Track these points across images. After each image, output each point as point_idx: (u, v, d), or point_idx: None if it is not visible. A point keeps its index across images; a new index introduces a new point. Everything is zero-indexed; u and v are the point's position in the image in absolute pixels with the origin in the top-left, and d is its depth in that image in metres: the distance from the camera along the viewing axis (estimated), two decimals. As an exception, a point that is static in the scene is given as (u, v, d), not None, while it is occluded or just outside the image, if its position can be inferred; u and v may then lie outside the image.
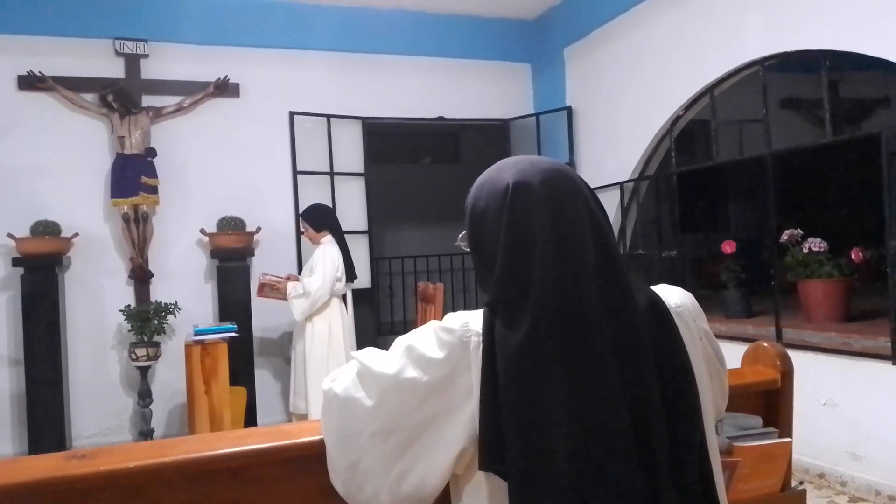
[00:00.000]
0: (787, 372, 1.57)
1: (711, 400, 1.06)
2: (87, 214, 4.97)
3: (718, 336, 3.75)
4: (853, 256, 4.04)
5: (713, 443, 1.03)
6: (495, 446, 0.90)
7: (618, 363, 0.91)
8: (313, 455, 1.12)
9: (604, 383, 0.90)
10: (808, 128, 6.85)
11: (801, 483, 3.56)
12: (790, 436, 1.56)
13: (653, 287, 1.05)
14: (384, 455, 0.98)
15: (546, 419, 0.88)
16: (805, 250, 4.14)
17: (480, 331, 0.95)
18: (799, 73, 6.19)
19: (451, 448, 0.94)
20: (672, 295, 1.06)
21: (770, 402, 1.60)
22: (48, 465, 1.09)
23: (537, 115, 6.02)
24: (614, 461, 0.89)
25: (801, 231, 4.25)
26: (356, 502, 1.04)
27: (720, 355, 1.12)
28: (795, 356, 3.69)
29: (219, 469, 1.15)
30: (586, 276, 0.94)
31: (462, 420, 0.94)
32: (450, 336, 0.96)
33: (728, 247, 4.66)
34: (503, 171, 1.04)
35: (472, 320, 0.97)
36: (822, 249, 4.07)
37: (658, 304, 1.00)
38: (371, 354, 1.05)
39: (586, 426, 0.88)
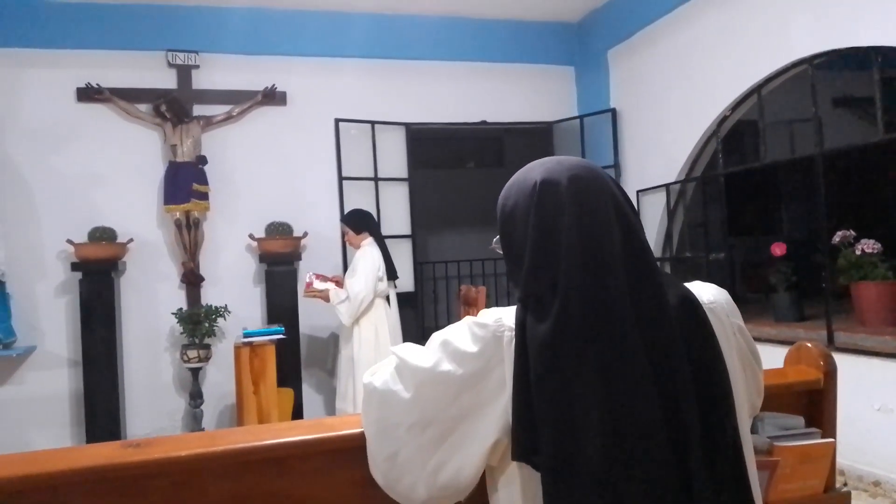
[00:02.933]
0: (830, 372, 1.55)
1: (745, 395, 1.06)
2: (142, 221, 5.14)
3: (768, 340, 3.69)
4: (908, 258, 3.92)
5: (747, 438, 1.03)
6: (528, 438, 0.92)
7: (648, 355, 0.92)
8: (354, 447, 1.16)
9: (634, 375, 0.91)
10: (862, 126, 6.66)
11: (846, 485, 3.47)
12: (833, 436, 1.53)
13: (686, 284, 1.06)
14: (421, 447, 1.01)
15: (577, 411, 0.90)
16: (858, 252, 4.03)
17: (513, 326, 0.97)
18: (852, 71, 6.03)
19: (485, 440, 0.97)
20: (705, 291, 1.07)
21: (813, 403, 1.57)
22: (106, 453, 1.16)
23: (581, 117, 6.00)
24: (646, 452, 0.90)
25: (853, 232, 4.14)
26: (395, 493, 1.07)
27: (755, 352, 1.12)
28: (848, 360, 3.64)
29: (264, 459, 1.19)
30: (614, 269, 0.95)
31: (496, 412, 0.96)
32: (483, 331, 0.99)
33: (778, 249, 4.57)
34: (531, 171, 1.07)
35: (505, 316, 1.00)
36: (875, 251, 3.95)
37: (690, 299, 1.00)
38: (409, 349, 1.09)
39: (617, 417, 0.90)
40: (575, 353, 0.92)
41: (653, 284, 0.97)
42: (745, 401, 1.06)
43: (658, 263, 1.04)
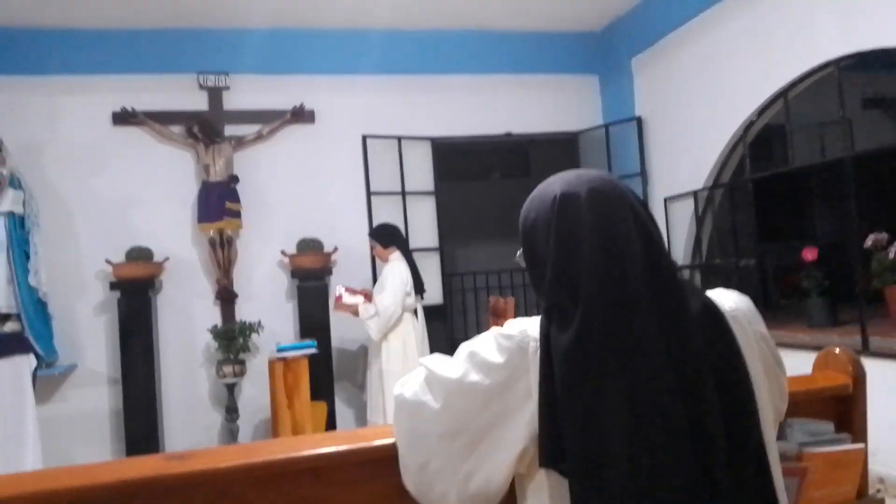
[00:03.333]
0: (858, 377, 1.55)
1: (769, 401, 1.07)
2: (177, 239, 5.26)
3: (802, 346, 3.66)
4: (943, 260, 3.86)
5: (772, 444, 1.04)
6: (555, 445, 0.95)
7: (672, 364, 0.95)
8: (388, 457, 1.20)
9: (658, 383, 0.93)
10: (894, 127, 6.57)
11: (879, 491, 3.41)
12: (864, 441, 1.53)
13: (708, 292, 1.08)
14: (452, 455, 1.04)
15: (602, 417, 0.93)
16: (891, 255, 3.97)
17: (538, 336, 1.01)
18: (882, 72, 5.96)
19: (513, 448, 0.99)
20: (727, 299, 1.09)
21: (843, 408, 1.58)
22: (150, 465, 1.21)
23: (606, 126, 6.00)
24: (671, 460, 0.92)
25: (886, 235, 4.09)
26: (427, 501, 1.10)
27: (778, 358, 1.13)
28: (884, 365, 3.58)
29: (301, 470, 1.24)
30: (634, 278, 0.98)
31: (523, 421, 0.99)
32: (509, 342, 1.02)
33: (809, 254, 4.51)
34: (552, 184, 1.11)
35: (530, 327, 1.03)
36: (909, 254, 3.90)
37: (712, 307, 1.03)
38: (437, 361, 1.12)
39: (642, 425, 0.92)
40: (598, 362, 0.94)
41: (674, 294, 1.00)
42: (770, 407, 1.08)
43: (679, 272, 1.06)
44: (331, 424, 5.01)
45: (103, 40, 5.18)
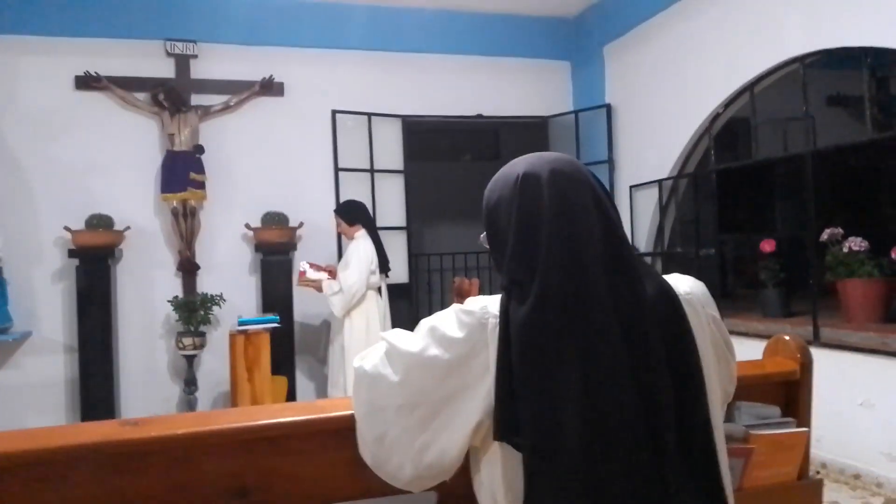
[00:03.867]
0: (806, 364, 1.60)
1: (718, 383, 1.10)
2: (139, 209, 5.17)
3: (756, 334, 3.76)
4: (894, 256, 3.98)
5: (719, 423, 1.08)
6: (509, 418, 0.97)
7: (625, 341, 0.97)
8: (345, 428, 1.20)
9: (611, 359, 0.96)
10: (856, 125, 6.72)
11: (818, 473, 3.54)
12: (808, 426, 1.58)
13: (665, 276, 1.11)
14: (408, 428, 1.05)
15: (556, 392, 0.95)
16: (845, 249, 4.08)
17: (498, 312, 1.02)
18: (846, 70, 6.08)
19: (468, 421, 1.01)
20: (682, 283, 1.11)
21: (790, 394, 1.62)
22: (104, 430, 1.20)
23: (576, 112, 6.04)
24: (622, 435, 0.94)
25: (841, 230, 4.20)
26: (383, 472, 1.12)
27: (728, 341, 1.16)
28: (833, 356, 3.70)
29: (258, 439, 1.24)
30: (592, 257, 1.00)
31: (479, 395, 1.01)
32: (469, 318, 1.04)
33: (767, 245, 4.62)
34: (514, 165, 1.12)
35: (490, 304, 1.04)
36: (862, 249, 4.01)
37: (667, 289, 1.05)
38: (398, 335, 1.13)
39: (595, 400, 0.94)
40: (553, 335, 0.96)
41: (630, 274, 1.02)
42: (718, 388, 1.11)
43: (636, 255, 1.08)
44: (291, 399, 5.00)
45: (68, 1, 5.03)
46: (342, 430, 1.21)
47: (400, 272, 5.54)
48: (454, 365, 1.02)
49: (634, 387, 0.96)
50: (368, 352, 1.19)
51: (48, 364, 4.95)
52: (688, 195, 5.24)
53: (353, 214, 4.65)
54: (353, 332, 4.46)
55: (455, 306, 1.08)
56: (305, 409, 1.30)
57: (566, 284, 0.98)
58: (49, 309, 4.98)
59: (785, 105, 4.96)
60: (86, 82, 5.05)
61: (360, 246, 4.50)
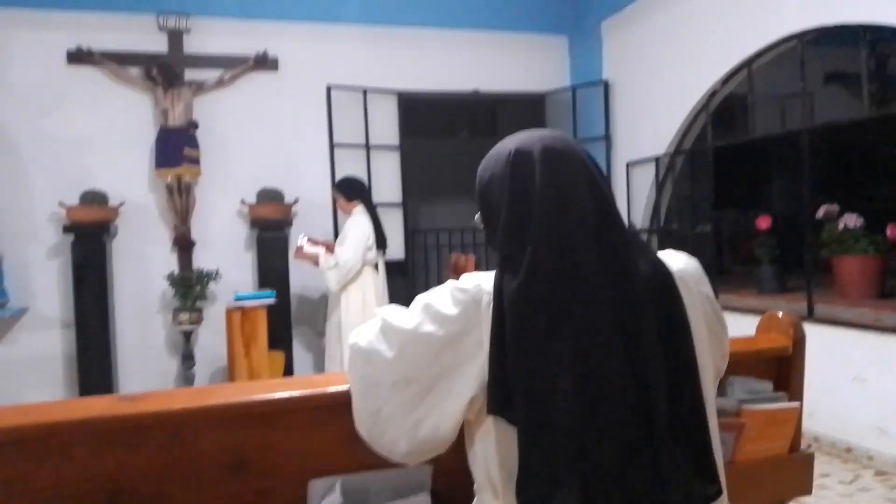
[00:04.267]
0: (798, 340, 1.61)
1: (710, 359, 1.11)
2: (133, 184, 5.15)
3: (751, 310, 3.79)
4: (889, 233, 4.00)
5: (711, 398, 1.09)
6: (503, 393, 0.98)
7: (616, 315, 0.98)
8: (341, 403, 1.21)
9: (603, 333, 0.96)
10: (853, 103, 6.70)
11: (810, 446, 3.58)
12: (800, 401, 1.60)
13: (659, 253, 1.12)
14: (403, 403, 1.07)
15: (548, 366, 0.96)
16: (841, 226, 4.10)
17: (492, 289, 1.03)
18: (844, 47, 6.05)
19: (462, 396, 1.02)
20: (676, 260, 1.12)
21: (782, 369, 1.64)
22: (102, 405, 1.21)
23: (573, 88, 6.01)
24: (614, 408, 0.95)
25: (837, 207, 4.21)
26: (378, 446, 1.13)
27: (721, 318, 1.17)
28: (827, 332, 3.73)
29: (254, 414, 1.25)
30: (583, 232, 1.01)
31: (473, 371, 1.02)
32: (463, 295, 1.04)
33: (763, 222, 4.64)
34: (506, 143, 1.13)
35: (484, 281, 1.05)
36: (857, 226, 4.03)
37: (660, 266, 1.06)
38: (393, 311, 1.14)
39: (587, 374, 0.95)
40: (544, 310, 0.97)
41: (623, 250, 1.03)
42: (711, 364, 1.12)
43: (629, 232, 1.09)
44: (288, 374, 5.02)
45: (59, -27, 4.97)
46: (338, 406, 1.23)
47: (396, 248, 5.54)
48: (448, 341, 1.03)
49: (627, 362, 0.97)
50: (364, 328, 1.19)
51: (45, 339, 4.96)
52: (684, 172, 5.23)
53: (352, 190, 4.64)
54: (350, 308, 4.47)
55: (450, 283, 1.08)
56: (301, 384, 1.31)
57: (556, 259, 0.99)
58: (45, 285, 4.98)
59: (783, 82, 4.94)
60: (78, 57, 5.00)
61: (358, 221, 4.49)
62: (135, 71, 5.12)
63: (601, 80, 5.80)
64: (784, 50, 4.30)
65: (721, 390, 1.51)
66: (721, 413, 1.35)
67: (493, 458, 1.02)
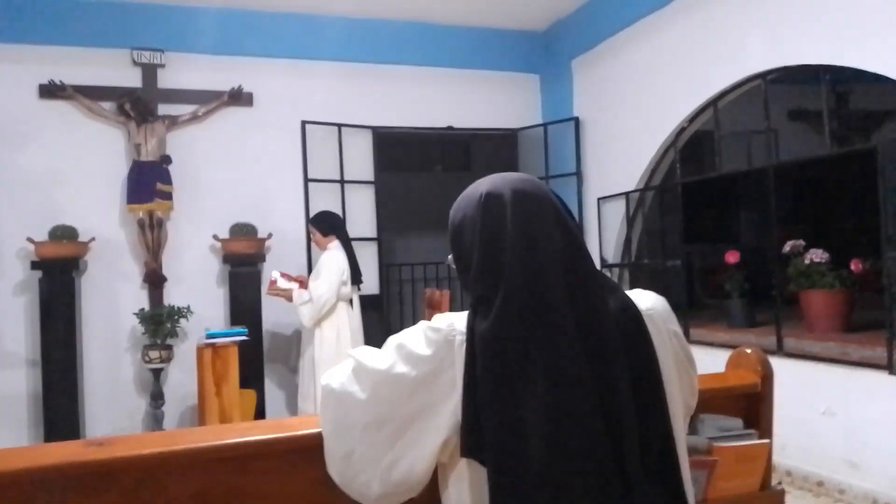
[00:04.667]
0: (767, 376, 1.63)
1: (679, 395, 1.13)
2: (104, 220, 5.09)
3: (721, 344, 3.83)
4: (853, 267, 4.09)
5: (681, 437, 1.10)
6: (475, 434, 0.98)
7: (587, 355, 0.99)
8: (313, 446, 1.20)
9: (574, 374, 0.97)
10: (816, 139, 6.89)
11: (780, 483, 3.60)
12: (770, 437, 1.62)
13: (627, 291, 1.14)
14: (376, 444, 1.06)
15: (519, 407, 0.96)
16: (807, 261, 4.18)
17: (465, 329, 1.03)
18: (808, 85, 6.24)
19: (436, 437, 1.02)
20: (644, 299, 1.14)
21: (751, 405, 1.66)
22: (68, 451, 1.18)
23: (545, 125, 6.10)
24: (585, 449, 0.96)
25: (803, 242, 4.30)
26: (351, 490, 1.12)
27: (689, 356, 1.19)
28: (796, 366, 3.77)
29: (226, 458, 1.23)
30: (553, 273, 1.03)
31: (447, 412, 1.02)
32: (436, 335, 1.05)
33: (731, 257, 4.71)
34: (478, 186, 1.15)
35: (457, 320, 1.06)
36: (823, 260, 4.11)
37: (629, 305, 1.08)
38: (365, 352, 1.14)
39: (558, 415, 0.96)
40: (515, 350, 0.98)
41: (593, 289, 1.05)
42: (680, 402, 1.13)
43: (598, 272, 1.11)
44: (260, 413, 4.96)
45: (32, 8, 4.96)
46: (310, 449, 1.21)
47: (371, 283, 5.53)
48: (421, 382, 1.03)
49: (597, 401, 0.98)
50: (336, 369, 1.19)
51: (10, 378, 4.84)
52: (654, 207, 5.31)
53: (328, 225, 4.64)
54: (324, 344, 4.44)
55: (422, 323, 1.09)
56: (273, 427, 1.30)
57: (527, 299, 1.00)
58: (11, 322, 4.88)
59: (748, 119, 5.07)
60: (50, 91, 4.98)
61: (333, 257, 4.49)
62: (108, 105, 5.10)
63: (572, 117, 5.91)
64: (749, 88, 4.42)
65: (692, 428, 1.52)
66: (692, 451, 1.36)
67: (466, 500, 1.02)
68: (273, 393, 5.39)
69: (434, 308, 4.58)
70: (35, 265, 4.76)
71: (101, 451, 1.18)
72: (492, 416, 0.97)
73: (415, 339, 1.06)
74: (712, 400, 1.56)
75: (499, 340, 0.98)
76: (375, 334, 5.47)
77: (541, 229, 1.06)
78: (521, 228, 1.05)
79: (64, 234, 4.79)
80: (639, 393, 1.02)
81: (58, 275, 4.81)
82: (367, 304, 5.24)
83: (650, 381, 1.04)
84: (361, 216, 5.74)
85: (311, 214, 5.09)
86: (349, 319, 4.54)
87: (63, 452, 1.18)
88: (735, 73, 4.33)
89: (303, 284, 4.54)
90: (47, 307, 4.76)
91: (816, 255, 4.16)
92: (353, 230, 5.45)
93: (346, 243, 4.65)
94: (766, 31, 4.07)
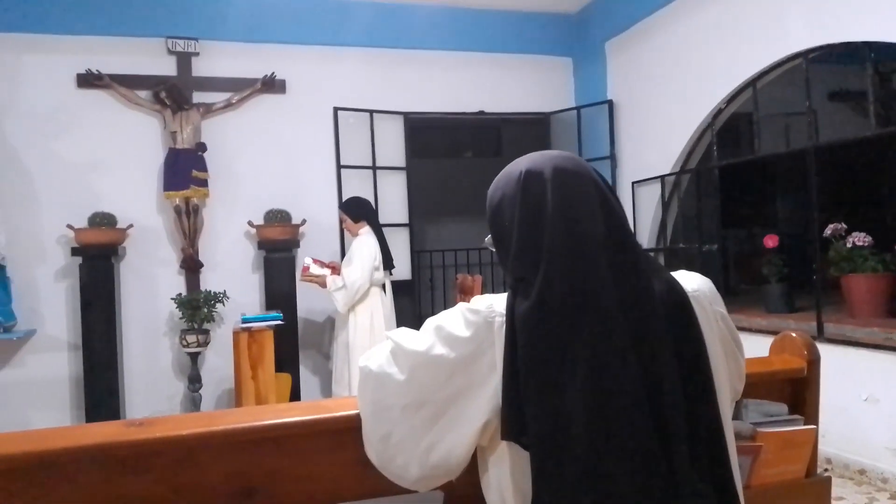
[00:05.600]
0: (813, 361, 1.59)
1: (727, 379, 1.10)
2: (141, 207, 5.17)
3: (759, 330, 3.75)
4: (898, 251, 3.97)
5: (728, 421, 1.07)
6: (516, 418, 0.96)
7: (631, 338, 0.96)
8: (351, 428, 1.20)
9: (618, 357, 0.95)
10: (857, 120, 6.70)
11: (826, 470, 3.53)
12: (816, 423, 1.58)
13: (672, 273, 1.10)
14: (414, 427, 1.05)
15: (563, 390, 0.94)
16: (849, 245, 4.07)
17: (504, 311, 1.01)
18: (848, 65, 6.06)
19: (475, 420, 1.01)
20: (690, 280, 1.11)
21: (797, 391, 1.62)
22: (109, 431, 1.20)
23: (578, 108, 6.02)
24: (630, 433, 0.93)
25: (845, 225, 4.19)
26: (389, 472, 1.11)
27: (737, 339, 1.16)
28: (837, 351, 3.69)
29: (263, 439, 1.23)
30: (596, 252, 1.00)
31: (486, 394, 1.00)
32: (476, 316, 1.03)
33: (770, 241, 4.61)
34: (517, 163, 1.12)
35: (496, 302, 1.04)
36: (866, 244, 4.00)
37: (675, 286, 1.04)
38: (404, 334, 1.12)
39: (602, 398, 0.93)
40: (557, 332, 0.95)
41: (636, 270, 1.02)
42: (727, 386, 1.10)
43: (643, 251, 1.08)
44: (295, 397, 5.00)
45: (70, -1, 5.03)
46: (348, 430, 1.21)
47: (402, 269, 5.54)
48: (460, 364, 1.02)
49: (642, 384, 0.95)
50: (374, 351, 1.18)
51: (52, 362, 4.95)
52: (690, 191, 5.22)
53: (358, 211, 4.65)
54: (358, 329, 4.46)
55: (461, 305, 1.07)
56: (310, 408, 1.29)
57: (569, 280, 0.98)
58: (53, 307, 4.99)
59: (787, 100, 4.94)
60: (88, 80, 5.05)
61: (364, 242, 4.50)
62: (144, 94, 5.16)
63: (606, 100, 5.82)
64: (789, 68, 4.30)
65: (736, 413, 1.48)
66: (737, 436, 1.33)
67: (507, 484, 1.01)
68: (307, 378, 5.44)
69: (466, 294, 4.57)
70: (75, 251, 4.85)
71: (141, 431, 1.19)
72: (534, 400, 0.95)
73: (454, 320, 1.05)
74: (756, 385, 1.52)
75: (540, 321, 0.96)
76: (407, 320, 5.49)
77: (583, 208, 1.03)
78: (563, 207, 1.03)
79: (103, 220, 4.87)
80: (686, 378, 0.99)
81: (97, 261, 4.89)
82: (399, 289, 5.25)
83: (698, 366, 1.01)
84: (393, 202, 5.75)
85: (343, 200, 5.10)
86: (382, 305, 4.55)
87: (104, 432, 1.19)
88: (775, 53, 4.21)
89: (335, 270, 4.56)
90: (87, 293, 4.85)
91: (859, 239, 4.04)
92: (384, 216, 5.46)
93: (377, 229, 4.66)
94: (808, 8, 3.95)
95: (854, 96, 6.65)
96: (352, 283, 4.38)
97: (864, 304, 4.00)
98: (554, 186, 1.04)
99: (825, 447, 3.72)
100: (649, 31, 5.33)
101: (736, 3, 4.48)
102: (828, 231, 4.19)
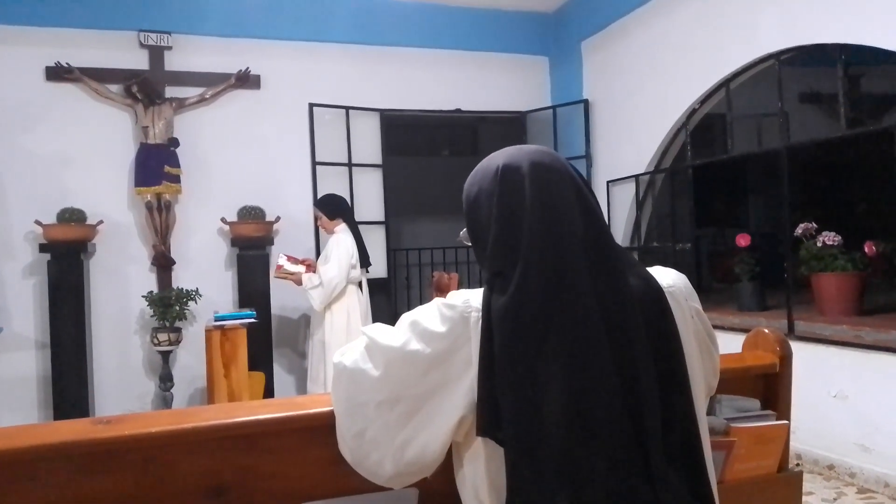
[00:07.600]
0: (785, 357, 1.60)
1: (702, 375, 1.10)
2: (112, 202, 5.09)
3: (731, 328, 3.79)
4: (866, 250, 4.04)
5: (702, 416, 1.07)
6: (491, 413, 0.95)
7: (608, 332, 0.96)
8: (324, 425, 1.18)
9: (594, 352, 0.94)
10: (828, 122, 6.81)
11: (798, 465, 3.58)
12: (788, 419, 1.59)
13: (648, 268, 1.10)
14: (389, 423, 1.03)
15: (538, 386, 0.93)
16: (819, 244, 4.13)
17: (480, 306, 1.00)
18: (820, 67, 6.15)
19: (451, 416, 0.99)
20: (665, 276, 1.11)
21: (769, 386, 1.63)
22: (76, 429, 1.17)
23: (554, 107, 6.05)
24: (605, 428, 0.93)
25: (815, 225, 4.25)
26: (363, 469, 1.10)
27: (711, 334, 1.16)
28: (807, 349, 3.74)
29: (235, 436, 1.21)
30: (573, 247, 0.99)
31: (462, 390, 0.99)
32: (451, 311, 1.02)
33: (742, 240, 4.67)
34: (494, 158, 1.11)
35: (472, 297, 1.02)
36: (835, 243, 4.06)
37: (650, 282, 1.04)
38: (379, 329, 1.11)
39: (577, 393, 0.93)
40: (534, 325, 0.95)
41: (613, 265, 1.01)
42: (702, 381, 1.10)
43: (619, 247, 1.07)
44: (269, 395, 4.96)
45: (38, -11, 4.92)
46: (321, 427, 1.19)
47: (378, 267, 5.52)
48: (436, 359, 1.00)
49: (618, 379, 0.95)
50: (348, 347, 1.16)
51: (20, 361, 4.86)
52: (664, 190, 5.26)
53: (334, 208, 4.62)
54: (334, 327, 4.43)
55: (437, 300, 1.06)
56: (283, 405, 1.27)
57: (546, 275, 0.97)
58: (20, 304, 4.89)
59: (759, 101, 5.00)
60: (57, 73, 4.95)
61: (341, 240, 4.47)
62: (115, 88, 5.07)
63: (581, 100, 5.85)
64: (761, 69, 4.35)
65: (709, 408, 1.49)
66: (710, 432, 1.33)
67: (482, 480, 1.00)
68: (282, 376, 5.40)
69: (443, 291, 4.56)
70: (43, 248, 4.76)
71: (109, 429, 1.16)
72: (509, 395, 0.94)
73: (429, 315, 1.03)
74: (729, 380, 1.53)
75: (516, 317, 0.95)
76: (383, 318, 5.45)
77: (561, 203, 1.03)
78: (541, 201, 1.02)
79: (72, 216, 4.79)
80: (661, 372, 0.99)
81: (66, 258, 4.81)
82: (375, 288, 5.23)
83: (672, 360, 1.01)
84: (369, 200, 5.72)
85: (318, 197, 5.07)
86: (359, 303, 4.53)
87: (70, 430, 1.16)
88: (748, 54, 4.26)
89: (309, 267, 4.52)
90: (56, 290, 4.76)
91: (829, 238, 4.10)
92: (360, 214, 5.43)
93: (353, 227, 4.63)
94: (780, 10, 4.00)
95: (824, 98, 6.76)
96: (329, 280, 4.35)
97: (833, 302, 4.07)
98: (532, 181, 1.04)
99: (795, 443, 3.77)
100: (625, 32, 5.36)
101: (710, 5, 4.53)
102: (799, 230, 4.24)
